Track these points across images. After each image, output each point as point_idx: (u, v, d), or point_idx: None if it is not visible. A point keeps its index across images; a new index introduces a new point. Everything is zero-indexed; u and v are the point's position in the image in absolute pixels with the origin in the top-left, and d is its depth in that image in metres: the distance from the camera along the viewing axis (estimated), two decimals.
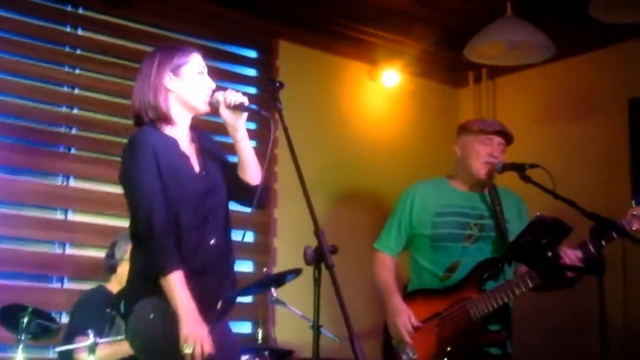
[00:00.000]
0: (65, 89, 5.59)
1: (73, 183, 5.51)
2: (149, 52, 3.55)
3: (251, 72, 6.41)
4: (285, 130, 3.24)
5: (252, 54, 6.44)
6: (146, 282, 3.26)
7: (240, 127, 3.42)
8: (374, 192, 6.53)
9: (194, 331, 3.13)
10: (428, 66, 7.02)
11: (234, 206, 3.55)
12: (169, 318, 3.17)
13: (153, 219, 3.22)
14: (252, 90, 6.33)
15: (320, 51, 6.63)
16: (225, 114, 3.41)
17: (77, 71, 5.62)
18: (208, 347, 3.13)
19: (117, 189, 5.48)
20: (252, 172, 3.45)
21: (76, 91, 5.61)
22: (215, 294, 3.32)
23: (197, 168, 3.43)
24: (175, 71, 3.43)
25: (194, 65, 3.47)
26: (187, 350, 3.11)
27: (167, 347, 3.16)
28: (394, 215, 4.50)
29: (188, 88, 3.44)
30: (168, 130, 3.42)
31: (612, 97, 6.11)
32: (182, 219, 3.30)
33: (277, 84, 3.38)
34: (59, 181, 5.49)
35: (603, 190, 5.93)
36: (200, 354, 3.11)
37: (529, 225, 3.86)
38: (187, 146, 3.45)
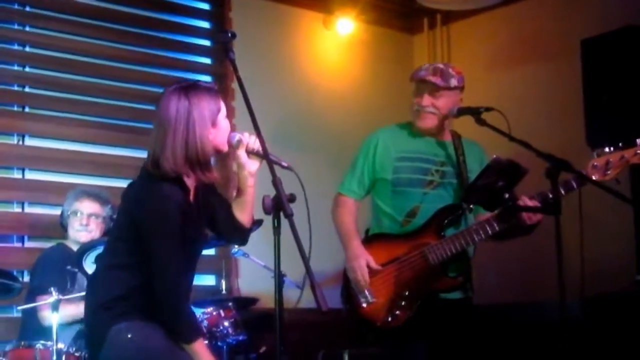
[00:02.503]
0: (16, 46, 5.52)
1: (29, 142, 5.47)
2: (170, 93, 3.27)
3: (204, 24, 6.36)
4: (239, 81, 3.23)
5: (204, 6, 6.38)
6: (114, 309, 3.23)
7: (254, 174, 3.39)
8: (331, 141, 6.53)
9: None
10: (382, 13, 7.00)
11: None
12: (148, 333, 3.20)
13: (177, 293, 3.21)
14: (206, 42, 6.29)
15: (273, 1, 6.59)
16: (244, 158, 3.35)
17: (27, 28, 5.56)
18: None
19: (73, 146, 5.52)
20: (249, 215, 3.50)
21: (27, 49, 5.55)
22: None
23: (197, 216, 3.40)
24: (214, 123, 3.28)
25: (224, 110, 3.33)
26: None
27: None
28: (357, 160, 4.48)
29: (222, 135, 3.32)
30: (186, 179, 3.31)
31: (565, 39, 6.13)
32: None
33: (230, 34, 3.34)
34: (14, 140, 5.44)
35: (558, 132, 5.99)
36: None
37: (486, 168, 3.88)
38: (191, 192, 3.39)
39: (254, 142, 3.32)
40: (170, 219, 3.17)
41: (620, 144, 3.94)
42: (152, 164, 3.22)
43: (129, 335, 3.19)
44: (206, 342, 3.49)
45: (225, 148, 3.33)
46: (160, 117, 3.24)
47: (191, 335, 3.23)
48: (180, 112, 3.21)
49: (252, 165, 3.37)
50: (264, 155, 3.21)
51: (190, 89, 3.25)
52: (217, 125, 3.28)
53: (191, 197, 3.34)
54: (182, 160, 3.20)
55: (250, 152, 3.34)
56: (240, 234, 3.55)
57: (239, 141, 3.32)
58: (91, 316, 3.33)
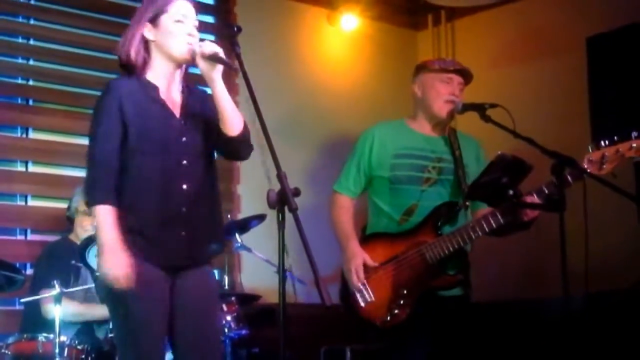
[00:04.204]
0: (20, 40, 5.52)
1: (32, 135, 5.47)
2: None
3: (209, 19, 6.35)
4: (245, 75, 3.23)
5: (209, 0, 6.37)
6: None
7: (215, 79, 3.37)
8: (335, 136, 6.53)
9: (109, 260, 3.21)
10: (387, 9, 6.99)
11: None
12: None
13: (95, 152, 3.35)
14: (210, 37, 6.28)
15: None
16: (201, 65, 3.38)
17: (32, 22, 5.56)
18: (123, 278, 3.19)
19: (77, 140, 5.51)
20: (230, 124, 3.40)
21: (31, 42, 5.55)
22: (180, 240, 3.36)
23: (174, 114, 3.44)
24: (154, 21, 3.45)
25: (173, 13, 3.45)
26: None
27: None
28: (353, 156, 4.47)
29: (165, 37, 3.44)
30: (150, 77, 3.46)
31: (570, 36, 6.12)
32: (145, 160, 3.35)
33: (235, 29, 3.37)
34: (18, 133, 5.44)
35: (563, 130, 5.97)
36: (116, 280, 3.19)
37: (490, 165, 3.87)
38: (170, 94, 3.47)
39: (205, 47, 3.37)
40: (102, 105, 3.40)
41: (615, 138, 3.92)
42: None
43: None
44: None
45: (178, 55, 3.42)
46: None
47: (93, 196, 3.31)
48: (137, 10, 3.54)
49: (210, 70, 3.37)
50: (215, 58, 3.32)
51: None
52: (158, 25, 3.44)
53: (163, 94, 3.44)
54: (124, 57, 3.48)
55: (205, 58, 3.36)
56: (228, 146, 3.45)
57: (194, 51, 3.39)
58: None
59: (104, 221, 3.26)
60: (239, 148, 3.47)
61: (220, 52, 3.37)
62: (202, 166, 3.46)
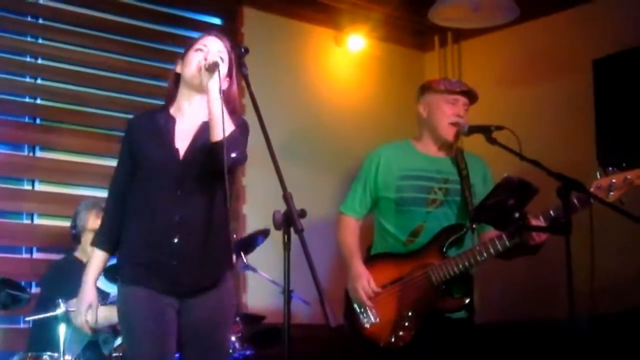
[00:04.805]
0: (29, 59, 5.54)
1: (39, 153, 5.49)
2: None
3: None
4: (252, 96, 3.24)
5: (216, 20, 6.40)
6: None
7: (210, 89, 3.39)
8: (341, 157, 6.53)
9: (78, 303, 3.54)
10: (393, 30, 7.01)
11: None
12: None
13: (108, 194, 3.63)
14: None
15: (285, 17, 6.61)
16: (203, 77, 3.43)
17: (40, 41, 5.58)
18: (81, 323, 3.50)
19: (84, 159, 5.53)
20: (214, 132, 3.37)
21: (39, 61, 5.57)
22: (172, 269, 3.42)
23: (182, 143, 3.48)
24: (184, 57, 3.58)
25: (196, 45, 3.55)
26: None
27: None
28: (359, 178, 4.49)
29: (185, 67, 3.53)
30: (173, 109, 3.59)
31: (577, 59, 6.14)
32: (138, 189, 3.47)
33: (243, 50, 3.41)
34: (25, 152, 5.46)
35: (569, 151, 5.98)
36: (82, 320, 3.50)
37: (496, 187, 3.85)
38: (187, 125, 3.53)
39: (209, 59, 3.45)
40: (124, 137, 3.62)
41: (624, 164, 3.92)
42: None
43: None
44: (108, 259, 3.62)
45: (195, 80, 3.49)
46: None
47: (93, 238, 3.62)
48: None
49: (206, 80, 3.42)
50: (214, 67, 3.39)
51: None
52: (184, 59, 3.57)
53: (179, 125, 3.54)
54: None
55: (207, 70, 3.43)
56: (212, 154, 3.38)
57: (200, 67, 3.47)
58: None
59: (88, 263, 3.59)
60: (218, 155, 3.35)
61: (220, 61, 3.43)
62: (204, 196, 3.45)
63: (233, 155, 3.34)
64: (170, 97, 3.61)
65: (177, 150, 3.48)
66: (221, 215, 3.47)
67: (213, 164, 3.36)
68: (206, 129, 3.44)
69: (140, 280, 3.41)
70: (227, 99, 3.46)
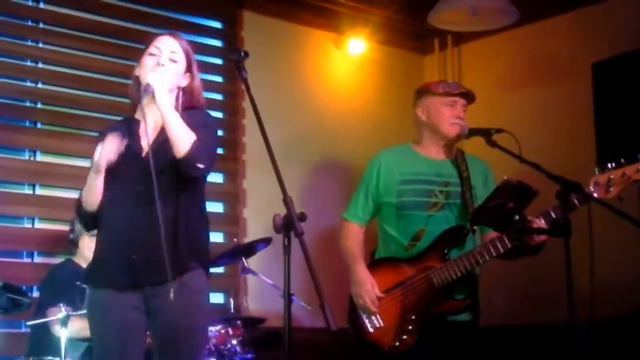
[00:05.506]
0: (29, 63, 5.54)
1: (40, 157, 5.49)
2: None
3: (216, 43, 6.39)
4: (252, 99, 3.24)
5: (216, 24, 6.41)
6: None
7: (159, 104, 3.39)
8: (341, 160, 6.54)
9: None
10: (393, 34, 7.03)
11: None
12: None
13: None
14: (218, 60, 6.32)
15: (285, 21, 6.62)
16: (143, 98, 3.46)
17: (40, 45, 5.58)
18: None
19: (85, 163, 5.52)
20: (176, 147, 3.37)
21: (40, 65, 5.57)
22: (130, 263, 3.43)
23: (144, 142, 3.50)
24: (140, 59, 3.59)
25: (149, 48, 3.58)
26: None
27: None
28: (361, 184, 4.50)
29: (140, 70, 3.55)
30: (137, 112, 3.59)
31: (576, 62, 6.14)
32: (108, 189, 3.52)
33: (242, 53, 3.38)
34: (25, 156, 5.46)
35: (568, 153, 5.98)
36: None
37: (496, 190, 3.86)
38: (151, 124, 3.52)
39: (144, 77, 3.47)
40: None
41: (622, 160, 3.92)
42: None
43: None
44: None
45: (144, 84, 3.45)
46: None
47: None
48: None
49: (144, 100, 3.44)
50: (145, 89, 3.41)
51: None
52: (140, 63, 3.58)
53: (143, 126, 3.49)
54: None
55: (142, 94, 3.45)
56: (179, 168, 3.40)
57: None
58: None
59: None
60: (184, 169, 3.39)
61: (151, 82, 3.42)
62: (167, 192, 3.42)
63: (201, 166, 3.39)
64: (134, 100, 3.61)
65: (140, 148, 3.52)
66: (194, 212, 3.53)
67: (180, 176, 3.41)
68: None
69: (103, 281, 3.47)
70: (190, 94, 3.58)
